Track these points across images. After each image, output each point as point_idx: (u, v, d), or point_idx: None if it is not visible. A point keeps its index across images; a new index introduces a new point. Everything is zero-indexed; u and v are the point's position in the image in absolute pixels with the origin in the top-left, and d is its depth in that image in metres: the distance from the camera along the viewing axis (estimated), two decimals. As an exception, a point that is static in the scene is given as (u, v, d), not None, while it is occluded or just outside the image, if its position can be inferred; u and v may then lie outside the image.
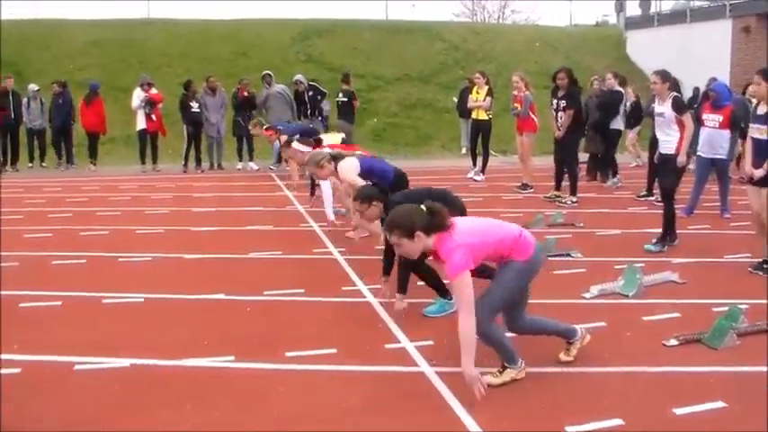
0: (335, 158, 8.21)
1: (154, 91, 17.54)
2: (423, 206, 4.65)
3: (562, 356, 5.26)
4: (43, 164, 18.41)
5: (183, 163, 17.71)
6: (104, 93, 18.87)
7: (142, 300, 6.89)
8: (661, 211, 9.11)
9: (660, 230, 8.97)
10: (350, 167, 7.93)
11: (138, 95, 17.39)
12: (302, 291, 7.03)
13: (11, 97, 17.70)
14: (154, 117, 17.42)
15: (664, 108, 8.82)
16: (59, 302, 6.82)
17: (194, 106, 17.40)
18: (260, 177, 16.11)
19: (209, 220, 11.08)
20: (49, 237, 9.92)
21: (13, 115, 17.66)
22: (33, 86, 18.13)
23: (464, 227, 4.71)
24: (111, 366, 5.26)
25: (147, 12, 30.82)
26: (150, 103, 17.26)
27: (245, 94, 17.89)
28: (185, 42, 25.17)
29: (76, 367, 5.25)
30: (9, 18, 26.88)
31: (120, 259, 8.53)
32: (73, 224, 10.69)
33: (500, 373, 4.94)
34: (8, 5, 29.72)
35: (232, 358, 5.37)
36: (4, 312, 6.51)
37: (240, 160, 18.11)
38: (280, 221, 10.86)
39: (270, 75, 17.90)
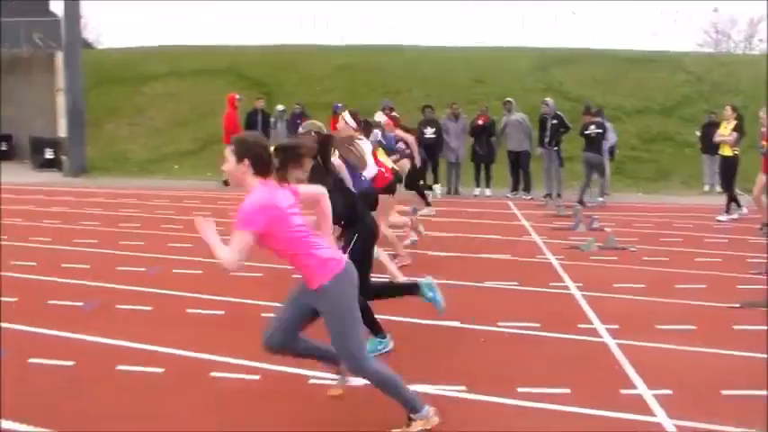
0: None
1: (394, 114, 18.03)
2: (274, 148, 4.40)
3: None
4: (287, 180, 19.51)
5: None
6: (347, 115, 19.64)
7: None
8: None
9: None
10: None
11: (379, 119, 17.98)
12: (537, 325, 6.89)
13: (259, 116, 19.01)
14: (393, 141, 17.92)
15: None
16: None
17: (428, 132, 17.67)
18: (494, 205, 16.09)
19: (444, 245, 11.16)
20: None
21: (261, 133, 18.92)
22: (280, 107, 19.57)
23: (288, 198, 4.36)
24: (343, 384, 5.40)
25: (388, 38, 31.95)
26: (389, 127, 17.78)
27: (482, 121, 18.02)
28: (425, 68, 25.75)
29: (311, 381, 5.43)
30: (264, 44, 28.82)
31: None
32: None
33: (407, 426, 4.50)
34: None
35: (463, 388, 5.34)
36: (251, 321, 6.84)
37: (477, 186, 18.23)
38: (516, 251, 10.77)
39: (511, 102, 18.10)
